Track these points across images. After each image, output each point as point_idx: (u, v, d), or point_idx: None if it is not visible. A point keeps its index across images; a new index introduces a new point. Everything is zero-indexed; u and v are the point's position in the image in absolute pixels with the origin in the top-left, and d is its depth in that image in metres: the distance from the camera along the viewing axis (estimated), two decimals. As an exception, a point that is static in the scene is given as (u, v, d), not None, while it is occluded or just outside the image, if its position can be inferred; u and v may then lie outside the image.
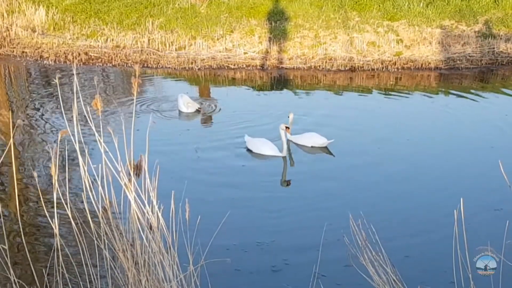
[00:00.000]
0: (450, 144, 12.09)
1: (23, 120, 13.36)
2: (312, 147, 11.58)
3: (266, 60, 17.76)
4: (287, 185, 10.27)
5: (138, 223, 4.92)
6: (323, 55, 17.67)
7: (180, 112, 13.61)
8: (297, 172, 10.84)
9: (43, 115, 13.87)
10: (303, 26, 18.83)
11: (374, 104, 14.93)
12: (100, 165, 4.86)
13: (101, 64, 17.95)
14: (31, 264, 5.61)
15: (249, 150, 11.32)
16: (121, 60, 17.97)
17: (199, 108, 13.63)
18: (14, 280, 4.94)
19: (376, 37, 18.13)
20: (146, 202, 4.89)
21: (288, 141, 11.38)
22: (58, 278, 5.05)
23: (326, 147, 11.60)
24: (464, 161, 11.20)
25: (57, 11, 20.17)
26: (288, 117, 12.05)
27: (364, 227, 5.33)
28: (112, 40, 18.77)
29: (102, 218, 4.93)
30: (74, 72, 5.57)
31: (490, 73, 17.35)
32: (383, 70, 17.27)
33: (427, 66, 17.43)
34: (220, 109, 14.23)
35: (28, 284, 5.68)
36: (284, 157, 10.96)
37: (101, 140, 4.89)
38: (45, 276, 5.26)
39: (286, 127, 11.05)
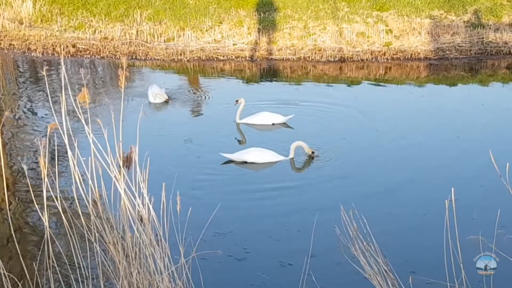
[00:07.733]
0: (419, 134, 12.07)
1: (12, 112, 13.26)
2: (273, 124, 12.24)
3: (255, 51, 17.71)
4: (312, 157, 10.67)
5: (129, 215, 4.89)
6: (312, 46, 17.64)
7: (149, 102, 13.72)
8: (283, 166, 10.74)
9: (31, 107, 13.78)
10: (292, 17, 18.78)
11: (361, 95, 14.93)
12: (89, 157, 4.82)
13: (89, 56, 17.84)
14: (21, 258, 5.57)
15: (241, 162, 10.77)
16: (109, 52, 17.86)
17: (167, 99, 13.76)
18: (4, 273, 4.91)
19: (366, 28, 18.11)
20: (136, 194, 4.85)
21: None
22: (48, 271, 5.01)
23: (285, 123, 12.37)
24: (435, 152, 11.18)
25: (45, 3, 19.97)
26: (236, 101, 12.47)
27: (355, 218, 5.32)
28: (100, 32, 18.63)
29: (92, 211, 4.89)
30: (62, 64, 5.51)
31: (479, 63, 17.38)
32: (373, 60, 17.27)
33: (416, 56, 17.45)
34: (207, 97, 14.26)
35: (19, 277, 5.65)
36: (291, 159, 10.79)
37: (90, 132, 4.84)
38: (36, 269, 5.23)
39: (312, 154, 10.79)
